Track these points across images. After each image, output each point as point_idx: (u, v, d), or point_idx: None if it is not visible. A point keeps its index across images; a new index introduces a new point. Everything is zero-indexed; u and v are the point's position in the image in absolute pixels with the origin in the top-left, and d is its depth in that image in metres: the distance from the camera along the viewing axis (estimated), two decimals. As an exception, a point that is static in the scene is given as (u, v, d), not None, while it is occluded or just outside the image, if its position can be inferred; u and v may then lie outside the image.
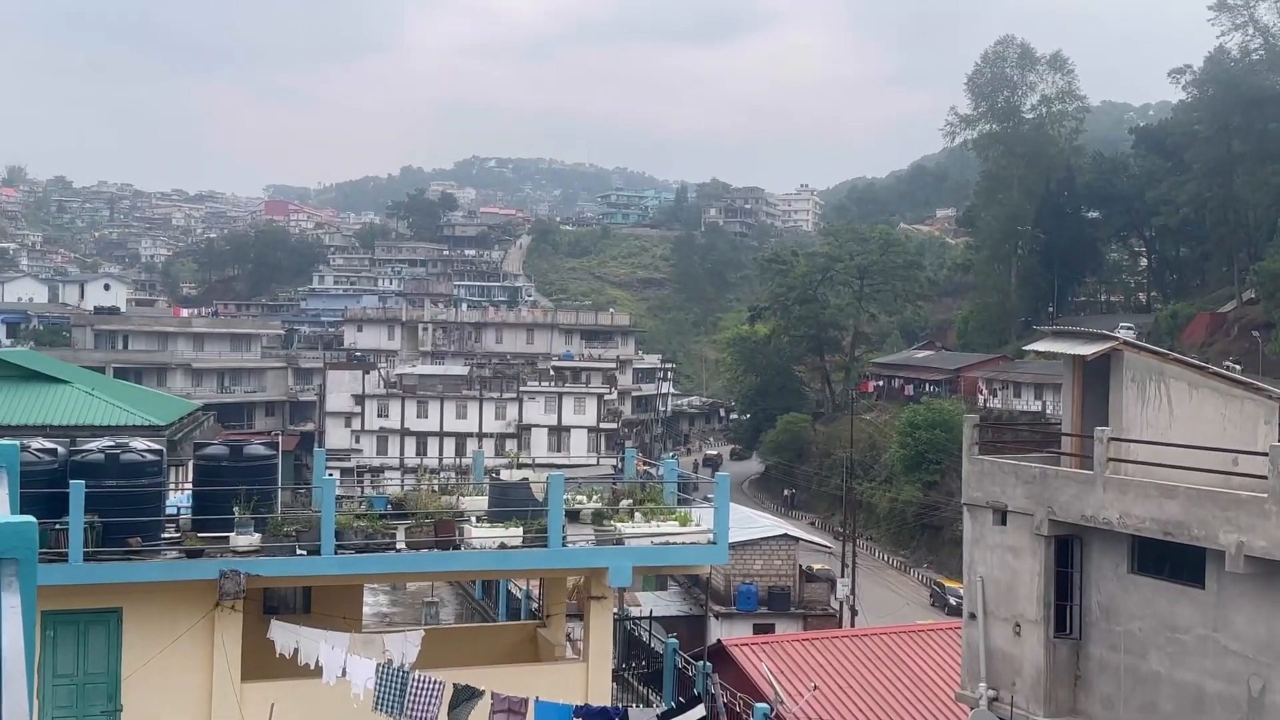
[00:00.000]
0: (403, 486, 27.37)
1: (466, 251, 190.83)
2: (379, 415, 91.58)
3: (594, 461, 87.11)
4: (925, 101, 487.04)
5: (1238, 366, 65.42)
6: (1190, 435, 17.60)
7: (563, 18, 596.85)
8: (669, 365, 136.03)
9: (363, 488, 45.47)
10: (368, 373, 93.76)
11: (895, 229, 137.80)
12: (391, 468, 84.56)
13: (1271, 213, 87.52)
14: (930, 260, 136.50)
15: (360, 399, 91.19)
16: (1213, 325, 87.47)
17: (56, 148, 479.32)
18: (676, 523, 19.60)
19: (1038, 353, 21.57)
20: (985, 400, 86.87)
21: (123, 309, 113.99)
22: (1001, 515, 19.00)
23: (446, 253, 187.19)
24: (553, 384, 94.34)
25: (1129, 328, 79.44)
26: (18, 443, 9.43)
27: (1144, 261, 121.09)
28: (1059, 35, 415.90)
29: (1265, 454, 15.42)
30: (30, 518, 4.94)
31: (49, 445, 17.63)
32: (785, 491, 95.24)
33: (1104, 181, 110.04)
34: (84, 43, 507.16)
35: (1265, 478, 15.05)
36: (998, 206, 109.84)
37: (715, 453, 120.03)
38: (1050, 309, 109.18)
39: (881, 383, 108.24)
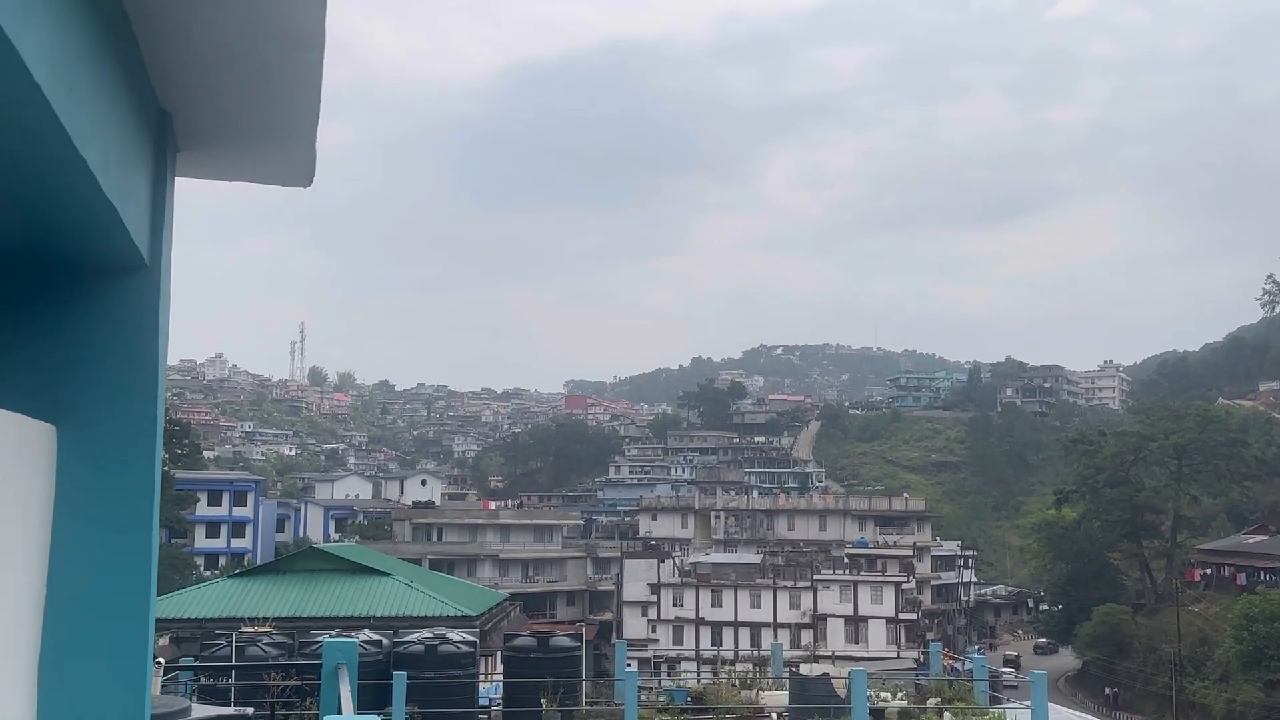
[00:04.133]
0: (699, 679, 27.23)
1: (756, 439, 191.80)
2: (674, 604, 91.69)
3: (894, 655, 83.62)
4: (1237, 270, 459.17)
5: None
6: None
7: (847, 210, 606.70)
8: (969, 552, 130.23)
9: (660, 679, 45.51)
10: (663, 561, 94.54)
11: (1214, 404, 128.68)
12: (688, 658, 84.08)
13: None
14: (1257, 437, 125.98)
15: (656, 588, 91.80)
16: None
17: (382, 355, 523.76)
18: (989, 725, 18.53)
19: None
20: (1334, 591, 78.06)
21: (437, 503, 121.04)
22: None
23: (736, 440, 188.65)
24: (847, 572, 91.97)
25: None
26: (356, 640, 10.14)
27: None
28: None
29: None
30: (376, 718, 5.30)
31: (374, 637, 18.80)
32: (1106, 690, 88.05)
33: None
34: (404, 259, 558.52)
35: None
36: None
37: (1015, 653, 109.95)
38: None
39: (1209, 571, 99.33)
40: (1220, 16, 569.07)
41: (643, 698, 20.27)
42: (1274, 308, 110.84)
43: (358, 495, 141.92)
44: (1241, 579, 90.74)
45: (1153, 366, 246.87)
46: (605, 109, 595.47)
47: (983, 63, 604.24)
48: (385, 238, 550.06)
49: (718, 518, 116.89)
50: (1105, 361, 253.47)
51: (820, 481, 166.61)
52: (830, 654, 67.36)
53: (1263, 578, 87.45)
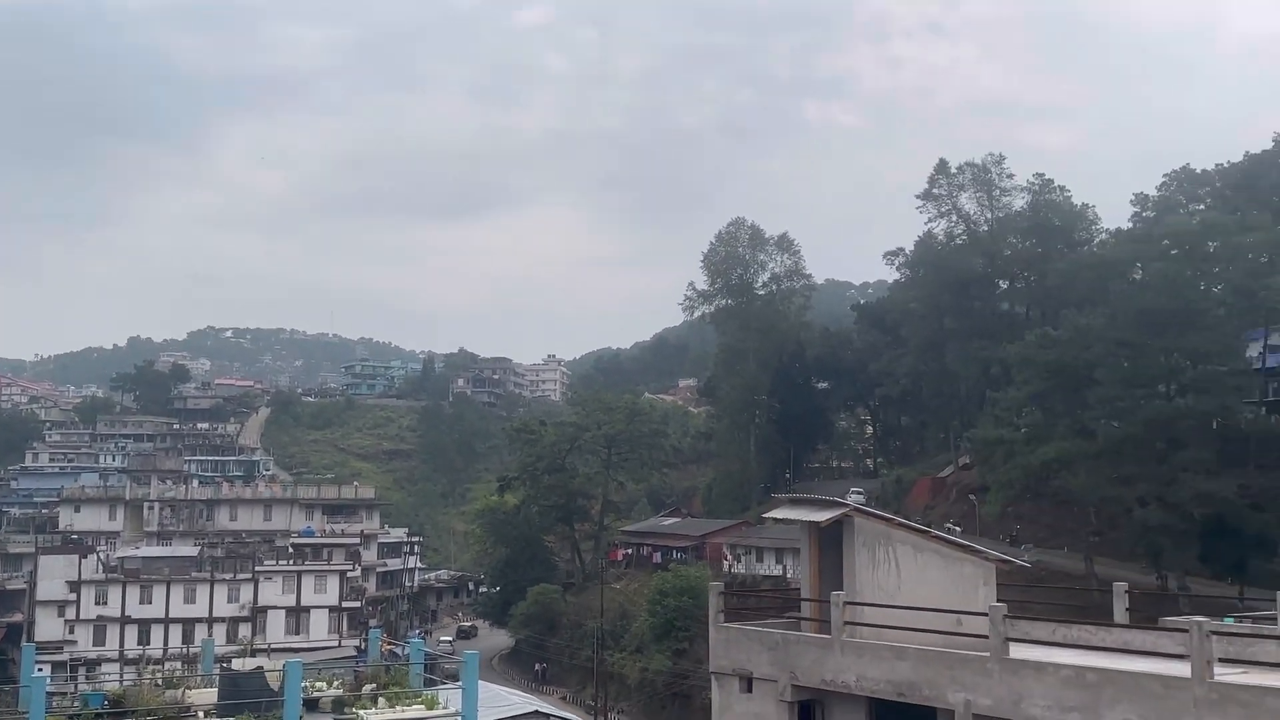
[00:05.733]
0: (122, 681, 25.32)
1: (199, 425, 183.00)
2: (97, 603, 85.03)
3: (336, 643, 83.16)
4: (669, 277, 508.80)
5: (958, 528, 69.60)
6: (917, 597, 18.46)
7: (307, 192, 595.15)
8: (416, 539, 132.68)
9: (77, 684, 41.70)
10: (85, 556, 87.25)
11: (640, 398, 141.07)
12: (110, 659, 78.03)
13: (980, 384, 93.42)
14: (674, 429, 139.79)
15: (76, 585, 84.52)
16: (934, 489, 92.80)
17: None
18: (423, 706, 18.93)
19: (776, 519, 22.41)
20: (730, 566, 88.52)
21: None
22: (748, 682, 19.23)
23: (177, 426, 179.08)
24: (291, 562, 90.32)
25: (859, 492, 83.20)
26: None
27: (870, 429, 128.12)
28: (786, 218, 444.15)
29: (985, 614, 16.28)
30: None
31: None
32: (536, 665, 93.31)
33: (830, 355, 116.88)
34: None
35: (986, 637, 15.87)
36: (735, 377, 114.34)
37: (470, 624, 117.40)
38: (788, 475, 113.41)
39: (631, 550, 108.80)
40: (658, 43, 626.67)
41: (53, 704, 18.45)
42: (693, 312, 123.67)
43: None
44: (657, 557, 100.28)
45: (590, 361, 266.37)
46: (37, 61, 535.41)
47: (446, 60, 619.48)
48: None
49: (151, 509, 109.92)
50: (549, 356, 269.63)
51: (268, 470, 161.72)
52: (268, 647, 65.62)
53: (675, 555, 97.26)
